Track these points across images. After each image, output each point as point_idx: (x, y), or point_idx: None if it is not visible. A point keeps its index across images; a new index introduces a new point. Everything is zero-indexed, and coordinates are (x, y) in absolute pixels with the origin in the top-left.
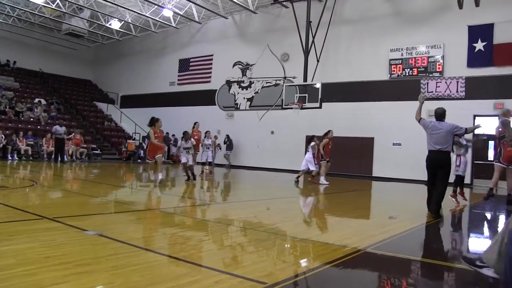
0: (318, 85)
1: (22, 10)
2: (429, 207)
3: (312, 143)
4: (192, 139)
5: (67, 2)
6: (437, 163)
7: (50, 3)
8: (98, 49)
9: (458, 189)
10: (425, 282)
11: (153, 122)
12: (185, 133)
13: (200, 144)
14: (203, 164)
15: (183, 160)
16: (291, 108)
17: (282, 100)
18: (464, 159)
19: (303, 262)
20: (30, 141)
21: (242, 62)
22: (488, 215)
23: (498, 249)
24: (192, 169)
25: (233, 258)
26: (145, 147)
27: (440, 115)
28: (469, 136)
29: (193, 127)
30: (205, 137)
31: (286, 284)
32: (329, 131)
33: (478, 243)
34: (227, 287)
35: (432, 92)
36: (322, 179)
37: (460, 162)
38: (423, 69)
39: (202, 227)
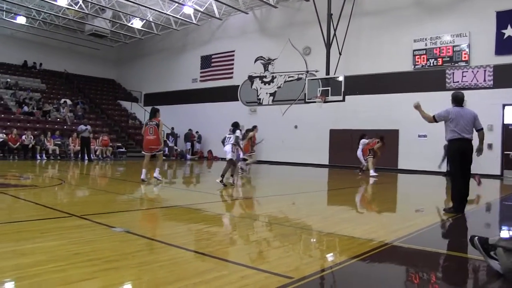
0: (341, 78)
1: (47, 13)
2: (459, 204)
3: (363, 140)
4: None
5: (89, 3)
6: (466, 153)
7: (73, 4)
8: (121, 49)
9: None
10: (452, 275)
11: (156, 112)
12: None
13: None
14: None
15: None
16: (314, 102)
17: (305, 94)
18: None
19: (330, 257)
20: (57, 141)
21: (263, 57)
22: None
23: None
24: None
25: (259, 253)
26: (154, 138)
27: (461, 100)
28: None
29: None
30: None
31: (313, 279)
32: (382, 137)
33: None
34: (253, 282)
35: (458, 82)
36: (372, 172)
37: None
38: (448, 59)
39: (228, 223)
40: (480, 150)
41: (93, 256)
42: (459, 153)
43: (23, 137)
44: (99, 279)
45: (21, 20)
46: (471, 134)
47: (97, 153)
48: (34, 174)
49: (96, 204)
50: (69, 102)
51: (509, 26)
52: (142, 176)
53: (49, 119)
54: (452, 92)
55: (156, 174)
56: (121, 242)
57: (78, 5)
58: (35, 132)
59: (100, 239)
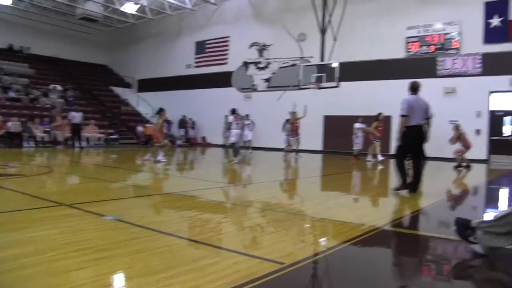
0: (335, 64)
1: None
2: (410, 184)
3: (357, 124)
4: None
5: None
6: (419, 138)
7: None
8: (113, 33)
9: None
10: (439, 257)
11: (159, 111)
12: (234, 110)
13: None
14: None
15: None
16: (309, 88)
17: (300, 80)
18: None
19: (322, 241)
20: (46, 128)
21: (258, 43)
22: (506, 191)
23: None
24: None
25: (251, 239)
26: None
27: (417, 88)
28: None
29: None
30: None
31: (305, 264)
32: (379, 114)
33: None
34: (245, 268)
35: (448, 69)
36: (379, 157)
37: None
38: (439, 46)
39: (221, 209)
40: (425, 138)
41: (84, 246)
42: (413, 139)
43: (9, 123)
44: (91, 268)
45: (5, 1)
46: (424, 121)
47: (89, 140)
48: (21, 163)
49: (86, 192)
50: (59, 87)
51: (495, 16)
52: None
53: (37, 105)
54: (410, 81)
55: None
56: (112, 231)
57: None
58: (23, 119)
59: (90, 228)
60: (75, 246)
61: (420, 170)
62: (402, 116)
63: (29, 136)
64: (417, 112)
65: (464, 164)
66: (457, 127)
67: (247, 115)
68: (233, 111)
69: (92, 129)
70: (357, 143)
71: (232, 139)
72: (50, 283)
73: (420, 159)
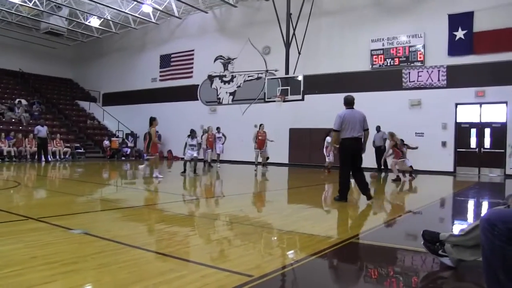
0: (300, 78)
1: None
2: (363, 192)
3: (328, 138)
4: (198, 138)
5: (44, 0)
6: (357, 149)
7: (27, 1)
8: (78, 48)
9: None
10: (407, 269)
11: (152, 121)
12: (192, 131)
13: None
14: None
15: (188, 156)
16: (274, 101)
17: (265, 93)
18: None
19: (290, 254)
20: (12, 142)
21: (223, 56)
22: (471, 203)
23: (470, 237)
24: (196, 164)
25: (219, 252)
26: (145, 145)
27: (352, 102)
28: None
29: (259, 128)
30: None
31: (273, 276)
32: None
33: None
34: (214, 281)
35: (414, 81)
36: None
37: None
38: (404, 58)
39: (188, 223)
40: (362, 149)
41: (51, 259)
42: (351, 150)
43: None
44: (59, 282)
45: None
46: (361, 133)
47: (53, 152)
48: None
49: (53, 206)
50: (24, 102)
51: (459, 29)
52: (154, 175)
53: (4, 119)
54: (344, 95)
55: (154, 174)
56: (80, 244)
57: (33, 1)
58: None
59: (58, 241)
60: (42, 259)
61: (363, 179)
62: (334, 131)
63: None
64: (351, 125)
65: (405, 175)
66: (392, 136)
67: (218, 128)
68: (192, 131)
69: (58, 143)
70: (329, 156)
71: (192, 154)
72: None
73: (359, 170)
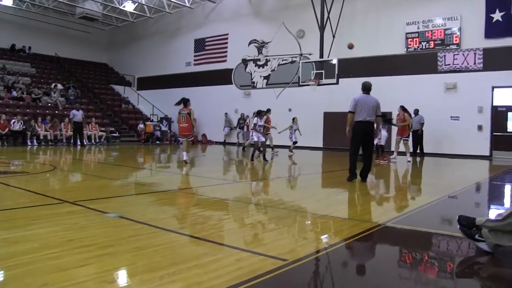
0: (334, 61)
1: None
2: (361, 174)
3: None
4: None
5: None
6: (367, 133)
7: None
8: (113, 32)
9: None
10: (443, 254)
11: (187, 101)
12: (259, 112)
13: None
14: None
15: (256, 138)
16: (308, 85)
17: (299, 77)
18: (384, 132)
19: (324, 238)
20: (48, 126)
21: (257, 40)
22: (508, 187)
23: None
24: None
25: (253, 236)
26: (184, 126)
27: (369, 88)
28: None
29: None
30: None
31: (307, 260)
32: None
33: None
34: (248, 264)
35: (449, 64)
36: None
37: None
38: (439, 42)
39: (223, 206)
40: (373, 132)
41: (87, 242)
42: (360, 132)
43: (12, 122)
44: (94, 265)
45: (6, 1)
46: (372, 118)
47: (91, 138)
48: (25, 160)
49: (89, 190)
50: (60, 86)
51: (497, 11)
52: (184, 158)
53: (40, 104)
54: (362, 81)
55: (184, 157)
56: (115, 228)
57: None
58: (25, 118)
59: (93, 225)
60: (78, 243)
61: (369, 161)
62: (349, 112)
63: (32, 135)
64: (364, 109)
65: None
66: (404, 110)
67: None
68: (259, 113)
69: (94, 127)
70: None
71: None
72: (54, 280)
73: (369, 151)
